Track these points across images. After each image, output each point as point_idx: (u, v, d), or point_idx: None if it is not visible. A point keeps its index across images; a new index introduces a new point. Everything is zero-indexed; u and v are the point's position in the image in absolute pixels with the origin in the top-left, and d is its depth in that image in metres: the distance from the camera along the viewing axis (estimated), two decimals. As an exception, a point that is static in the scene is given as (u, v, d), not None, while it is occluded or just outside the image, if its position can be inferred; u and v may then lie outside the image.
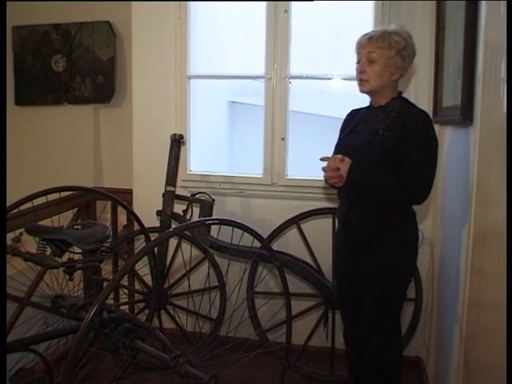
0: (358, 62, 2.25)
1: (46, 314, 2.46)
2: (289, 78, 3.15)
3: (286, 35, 3.13)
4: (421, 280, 3.01)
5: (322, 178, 3.13)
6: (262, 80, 3.19)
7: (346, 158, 2.17)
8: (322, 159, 2.25)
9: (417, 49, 2.95)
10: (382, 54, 2.17)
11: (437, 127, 2.94)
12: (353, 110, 2.48)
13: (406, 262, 2.26)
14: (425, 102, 3.00)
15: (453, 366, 2.22)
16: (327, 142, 3.50)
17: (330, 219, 3.06)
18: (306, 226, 3.10)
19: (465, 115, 2.07)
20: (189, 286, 2.96)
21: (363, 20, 3.18)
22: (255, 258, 2.67)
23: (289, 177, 3.18)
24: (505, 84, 1.49)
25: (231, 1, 3.19)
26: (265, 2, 3.14)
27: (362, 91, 2.28)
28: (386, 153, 2.15)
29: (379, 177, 2.16)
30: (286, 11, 3.12)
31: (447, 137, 2.71)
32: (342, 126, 2.47)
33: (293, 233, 3.14)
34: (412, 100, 3.01)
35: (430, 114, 2.92)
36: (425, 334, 3.09)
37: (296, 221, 3.05)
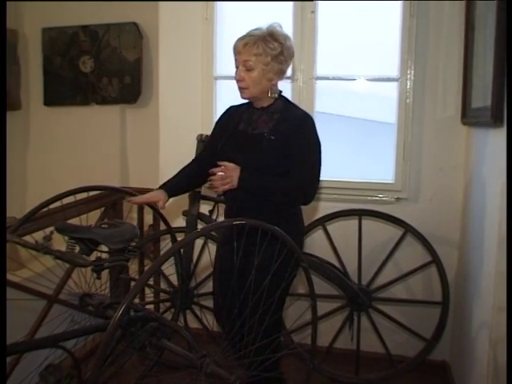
0: (236, 68, 2.23)
1: (73, 311, 2.50)
2: (315, 79, 3.15)
3: (313, 36, 3.13)
4: (448, 283, 2.97)
5: (348, 180, 3.16)
6: (289, 81, 3.19)
7: (232, 165, 2.14)
8: (212, 171, 2.18)
9: (445, 49, 2.95)
10: (258, 61, 2.15)
11: (465, 129, 2.92)
12: (232, 107, 2.44)
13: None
14: (453, 103, 2.98)
15: (481, 372, 2.18)
16: (353, 143, 3.50)
17: (356, 220, 3.04)
18: (331, 227, 3.09)
19: (495, 116, 2.04)
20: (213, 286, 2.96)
21: (391, 20, 3.16)
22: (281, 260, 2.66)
23: (314, 178, 3.17)
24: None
25: (258, 1, 3.18)
26: (291, 3, 3.14)
27: (243, 98, 2.27)
28: (274, 157, 2.16)
29: (267, 181, 2.16)
30: (312, 12, 3.12)
31: (476, 139, 2.68)
32: (220, 123, 2.41)
33: (318, 234, 3.13)
34: (439, 101, 3.02)
35: (459, 115, 2.91)
36: (452, 338, 3.05)
37: (322, 222, 3.04)
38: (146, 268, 3.22)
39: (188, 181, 2.41)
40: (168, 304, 3.16)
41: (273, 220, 1.97)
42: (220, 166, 2.17)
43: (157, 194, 2.29)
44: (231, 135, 2.29)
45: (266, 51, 2.14)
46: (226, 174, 2.14)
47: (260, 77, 2.17)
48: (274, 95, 2.24)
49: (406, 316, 3.12)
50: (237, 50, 2.20)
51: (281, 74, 2.23)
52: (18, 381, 2.43)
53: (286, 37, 2.21)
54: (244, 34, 2.21)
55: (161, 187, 2.33)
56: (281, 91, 2.30)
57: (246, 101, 2.32)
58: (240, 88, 2.23)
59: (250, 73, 2.17)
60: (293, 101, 3.10)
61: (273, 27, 2.19)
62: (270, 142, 2.17)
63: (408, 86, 3.06)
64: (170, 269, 3.03)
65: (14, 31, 4.02)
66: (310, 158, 2.20)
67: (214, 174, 2.16)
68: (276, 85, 2.25)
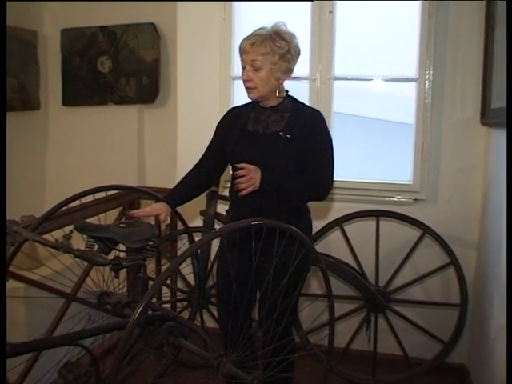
0: (243, 68, 2.21)
1: (90, 309, 2.52)
2: (333, 79, 3.13)
3: (331, 36, 3.12)
4: (466, 285, 2.95)
5: (366, 181, 3.14)
6: (306, 81, 3.18)
7: (253, 166, 2.13)
8: (237, 174, 2.17)
9: (464, 49, 2.92)
10: (266, 60, 2.13)
11: (484, 129, 2.89)
12: (233, 108, 2.44)
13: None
14: (472, 104, 2.95)
15: (500, 375, 2.16)
16: (370, 143, 3.49)
17: (374, 221, 3.03)
18: (348, 227, 3.08)
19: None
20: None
21: (409, 20, 3.14)
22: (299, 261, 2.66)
23: (332, 178, 3.16)
24: None
25: (276, 1, 3.18)
26: (309, 2, 3.13)
27: (252, 98, 2.25)
28: (292, 156, 2.15)
29: (288, 180, 2.15)
30: (330, 12, 3.11)
31: (496, 139, 2.65)
32: (222, 125, 2.40)
33: (335, 235, 3.12)
34: (458, 101, 2.99)
35: (478, 115, 2.88)
36: (470, 340, 3.03)
37: (339, 222, 3.03)
38: (162, 267, 3.24)
39: (191, 190, 2.39)
40: (185, 303, 3.17)
41: (289, 220, 1.96)
42: (241, 168, 2.15)
43: (159, 207, 2.29)
44: (240, 136, 2.27)
45: (274, 50, 2.12)
46: (250, 176, 2.12)
47: (268, 76, 2.16)
48: (282, 94, 2.23)
49: (424, 318, 3.10)
50: (243, 50, 2.18)
51: (288, 73, 2.22)
52: (37, 378, 2.46)
53: (292, 35, 2.19)
54: (249, 34, 2.20)
55: (163, 199, 2.33)
56: (287, 90, 2.29)
57: (248, 101, 2.32)
58: (248, 88, 2.22)
59: (257, 72, 2.15)
60: (310, 101, 3.14)
61: (278, 26, 2.18)
62: (286, 141, 2.17)
63: (426, 87, 3.04)
64: (186, 268, 3.04)
65: (33, 32, 4.07)
66: (326, 154, 2.20)
67: (239, 177, 2.14)
68: (283, 84, 2.24)
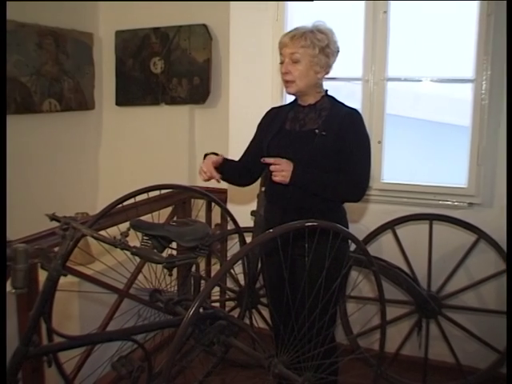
0: (281, 63, 2.21)
1: (140, 305, 2.56)
2: (386, 80, 3.09)
3: (385, 36, 3.08)
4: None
5: (419, 183, 3.08)
6: (359, 82, 3.15)
7: (285, 160, 2.11)
8: (264, 160, 2.15)
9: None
10: (306, 53, 2.13)
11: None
12: (273, 108, 2.42)
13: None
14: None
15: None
16: (424, 146, 3.42)
17: (426, 225, 2.97)
18: (400, 231, 3.03)
19: None
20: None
21: (464, 20, 3.06)
22: (351, 263, 2.64)
23: (384, 181, 3.12)
24: None
25: (329, 0, 3.16)
26: (363, 2, 3.10)
27: (289, 93, 2.24)
28: (327, 153, 2.13)
29: (320, 176, 2.12)
30: (384, 12, 3.07)
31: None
32: (262, 124, 2.40)
33: (387, 238, 3.07)
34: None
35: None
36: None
37: (391, 226, 2.99)
38: (212, 266, 3.26)
39: (236, 170, 2.42)
40: (234, 303, 3.19)
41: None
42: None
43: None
44: (277, 134, 2.28)
45: (314, 42, 2.14)
46: (280, 167, 2.10)
47: (307, 69, 2.16)
48: (320, 90, 2.23)
49: (478, 325, 3.01)
50: (283, 44, 2.20)
51: (327, 69, 2.21)
52: (89, 371, 2.53)
53: (332, 31, 2.21)
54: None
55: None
56: (327, 90, 2.29)
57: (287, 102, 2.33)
58: (286, 82, 2.22)
59: (296, 65, 2.16)
60: (363, 102, 3.11)
61: (316, 23, 2.21)
62: (321, 138, 2.16)
63: (484, 88, 2.96)
64: (236, 268, 3.06)
65: (89, 34, 4.18)
66: (363, 154, 2.18)
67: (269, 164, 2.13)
68: (322, 79, 2.23)
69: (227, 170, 2.34)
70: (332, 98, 2.28)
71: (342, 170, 2.16)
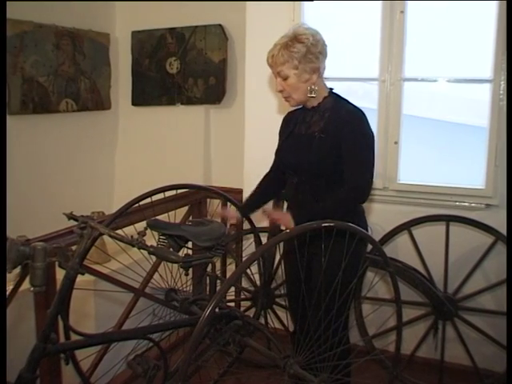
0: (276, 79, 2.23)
1: (155, 305, 2.57)
2: (403, 81, 3.07)
3: (402, 36, 3.06)
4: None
5: (435, 184, 3.06)
6: (374, 82, 3.13)
7: (277, 213, 2.29)
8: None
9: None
10: (288, 67, 2.14)
11: None
12: (289, 112, 2.43)
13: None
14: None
15: None
16: (440, 146, 3.39)
17: (443, 226, 2.95)
18: (417, 232, 3.01)
19: None
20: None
21: (482, 20, 3.03)
22: (367, 264, 2.63)
23: (401, 181, 3.10)
24: None
25: (346, 0, 3.15)
26: (380, 2, 3.08)
27: (291, 106, 2.30)
28: (324, 156, 2.13)
29: (320, 208, 2.13)
30: (401, 12, 3.05)
31: None
32: (280, 129, 2.43)
33: (403, 238, 3.05)
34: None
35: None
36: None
37: (408, 226, 2.97)
38: (228, 266, 3.27)
39: (265, 197, 2.51)
40: (249, 303, 3.19)
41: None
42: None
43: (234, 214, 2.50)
44: (287, 138, 2.33)
45: (291, 56, 2.13)
46: (276, 220, 2.24)
47: (296, 81, 2.17)
48: (312, 94, 2.21)
49: (495, 328, 2.98)
50: (269, 64, 2.23)
51: (316, 71, 2.18)
52: (105, 368, 2.54)
53: (312, 33, 2.17)
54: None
55: (240, 210, 2.50)
56: (331, 88, 2.28)
57: None
58: (284, 98, 2.26)
59: (287, 81, 2.18)
60: (379, 103, 3.10)
61: (296, 29, 2.19)
62: (319, 140, 2.16)
63: (502, 88, 2.93)
64: (252, 268, 3.05)
65: (106, 35, 4.21)
66: (361, 155, 2.15)
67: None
68: (317, 83, 2.20)
69: (258, 206, 2.49)
70: (336, 95, 2.28)
71: (343, 174, 2.15)
